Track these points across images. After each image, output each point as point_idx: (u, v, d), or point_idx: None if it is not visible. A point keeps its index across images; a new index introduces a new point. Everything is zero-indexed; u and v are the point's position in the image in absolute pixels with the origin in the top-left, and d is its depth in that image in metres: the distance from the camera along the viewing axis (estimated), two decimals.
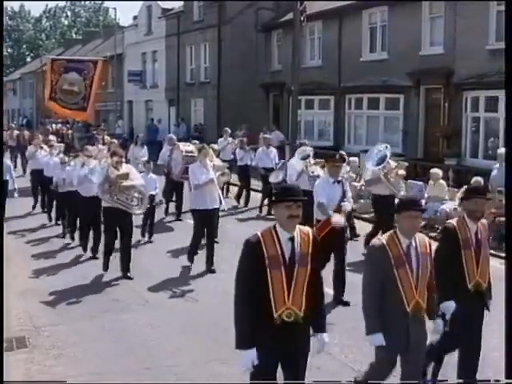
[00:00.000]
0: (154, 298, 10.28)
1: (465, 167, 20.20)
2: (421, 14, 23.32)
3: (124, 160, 12.23)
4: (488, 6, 20.39)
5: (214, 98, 35.39)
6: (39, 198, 18.61)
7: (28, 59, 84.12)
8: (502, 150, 15.12)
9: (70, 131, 37.15)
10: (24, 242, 14.97)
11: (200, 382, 7.45)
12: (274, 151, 19.17)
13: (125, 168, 11.75)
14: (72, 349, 8.45)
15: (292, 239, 5.28)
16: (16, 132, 30.62)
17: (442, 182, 15.90)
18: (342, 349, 8.34)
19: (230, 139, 22.52)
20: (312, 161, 14.35)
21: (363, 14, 26.21)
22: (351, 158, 17.25)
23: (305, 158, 14.31)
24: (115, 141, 20.17)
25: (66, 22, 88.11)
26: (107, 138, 23.32)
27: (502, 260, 9.25)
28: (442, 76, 22.34)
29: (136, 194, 11.46)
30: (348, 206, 10.35)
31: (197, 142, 19.04)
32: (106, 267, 11.82)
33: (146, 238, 14.69)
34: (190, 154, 15.37)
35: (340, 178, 10.36)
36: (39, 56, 71.66)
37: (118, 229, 11.61)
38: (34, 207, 18.85)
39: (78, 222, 14.42)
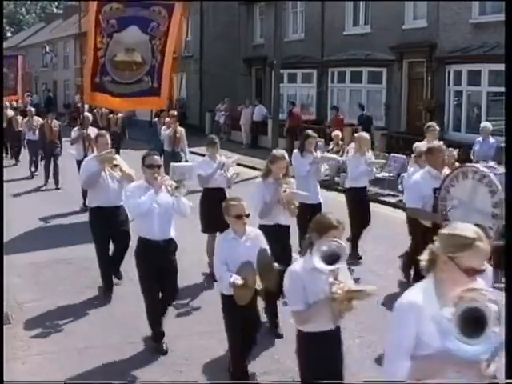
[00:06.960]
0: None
1: (447, 141, 20.22)
2: None
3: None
4: None
5: (196, 72, 35.15)
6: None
7: (8, 34, 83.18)
8: (484, 124, 15.20)
9: (119, 115, 20.86)
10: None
11: (181, 354, 7.48)
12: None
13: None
14: (56, 324, 8.42)
15: None
16: (37, 120, 19.51)
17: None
18: None
19: None
20: None
21: None
22: (335, 132, 17.19)
23: None
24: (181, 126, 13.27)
25: None
26: (180, 129, 15.57)
27: None
28: (424, 50, 22.32)
29: None
30: None
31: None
32: None
33: None
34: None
35: None
36: (19, 31, 70.87)
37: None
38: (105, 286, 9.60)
39: None
